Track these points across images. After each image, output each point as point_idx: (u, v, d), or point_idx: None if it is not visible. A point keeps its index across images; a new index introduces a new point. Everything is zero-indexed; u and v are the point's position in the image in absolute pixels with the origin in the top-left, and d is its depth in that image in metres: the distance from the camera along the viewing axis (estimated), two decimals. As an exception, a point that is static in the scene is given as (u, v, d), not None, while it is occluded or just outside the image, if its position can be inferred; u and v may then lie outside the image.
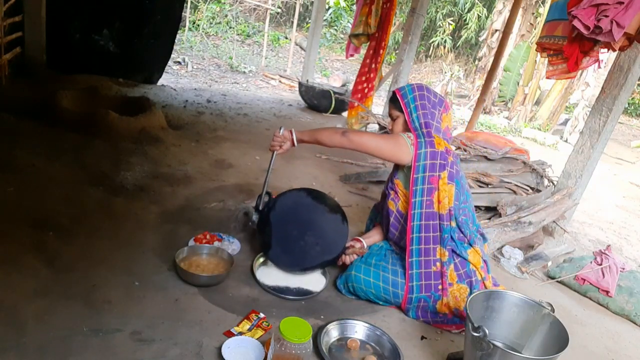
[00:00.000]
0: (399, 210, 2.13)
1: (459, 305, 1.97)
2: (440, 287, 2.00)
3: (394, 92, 2.15)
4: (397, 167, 2.15)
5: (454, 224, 2.01)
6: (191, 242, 2.28)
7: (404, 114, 2.08)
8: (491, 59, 7.18)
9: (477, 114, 5.57)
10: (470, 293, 1.95)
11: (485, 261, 2.07)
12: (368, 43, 5.09)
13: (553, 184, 3.60)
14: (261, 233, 2.23)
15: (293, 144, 2.21)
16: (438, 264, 2.00)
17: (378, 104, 6.84)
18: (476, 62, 11.60)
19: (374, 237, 2.32)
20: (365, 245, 2.26)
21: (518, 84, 9.71)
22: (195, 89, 6.14)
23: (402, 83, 5.39)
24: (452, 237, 2.01)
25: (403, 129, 2.11)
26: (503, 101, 10.24)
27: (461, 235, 2.03)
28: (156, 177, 2.98)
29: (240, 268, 2.17)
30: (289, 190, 2.35)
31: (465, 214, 2.07)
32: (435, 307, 2.01)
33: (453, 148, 2.10)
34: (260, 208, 2.26)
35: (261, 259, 2.23)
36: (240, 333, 1.73)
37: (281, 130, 2.24)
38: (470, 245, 2.04)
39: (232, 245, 2.32)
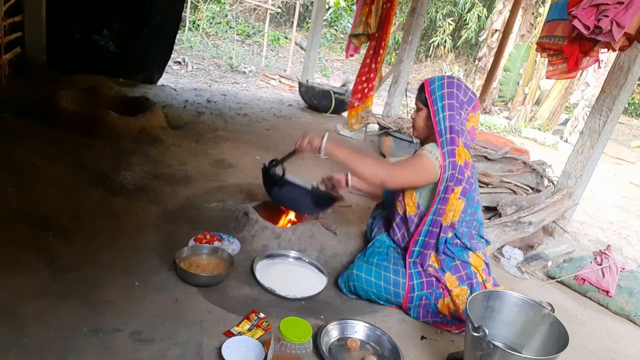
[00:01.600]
0: (408, 213, 2.11)
1: (459, 308, 1.97)
2: (441, 285, 2.01)
3: (422, 83, 2.06)
4: None
5: (450, 234, 2.01)
6: (191, 242, 2.28)
7: (429, 109, 2.02)
8: (491, 59, 7.18)
9: (477, 114, 5.56)
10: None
11: (487, 263, 2.07)
12: (368, 43, 5.09)
13: (553, 184, 3.60)
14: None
15: (318, 151, 2.04)
16: (430, 269, 2.02)
17: (378, 104, 6.84)
18: (476, 62, 11.60)
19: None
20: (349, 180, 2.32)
21: (518, 84, 9.71)
22: (195, 89, 6.14)
23: (402, 83, 5.39)
24: (446, 247, 2.01)
25: (425, 123, 2.06)
26: (503, 101, 10.24)
27: (460, 243, 2.02)
28: (156, 177, 2.98)
29: (240, 268, 2.17)
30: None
31: (468, 226, 2.04)
32: (436, 305, 2.01)
33: (471, 157, 2.04)
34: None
35: (261, 259, 2.24)
36: (240, 333, 1.73)
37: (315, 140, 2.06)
38: (472, 250, 2.04)
39: (232, 245, 2.32)
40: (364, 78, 5.08)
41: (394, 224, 2.19)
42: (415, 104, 2.11)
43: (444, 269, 2.01)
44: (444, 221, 1.98)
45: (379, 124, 4.61)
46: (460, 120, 2.00)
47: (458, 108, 1.99)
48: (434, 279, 2.02)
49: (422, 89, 2.05)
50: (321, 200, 2.41)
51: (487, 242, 2.17)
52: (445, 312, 2.01)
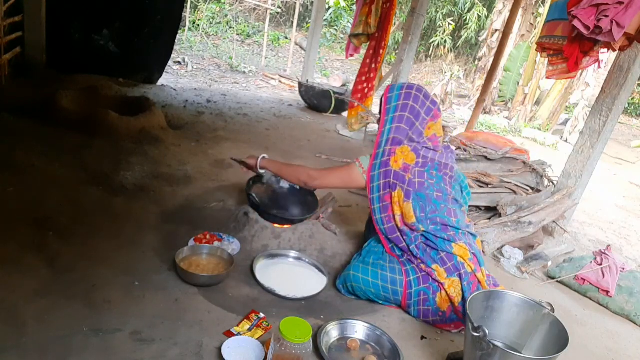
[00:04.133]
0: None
1: (454, 301, 1.97)
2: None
3: (386, 89, 2.19)
4: None
5: (421, 231, 2.04)
6: (191, 242, 2.28)
7: None
8: (491, 59, 7.17)
9: (477, 114, 5.57)
10: (462, 286, 1.96)
11: (474, 254, 2.06)
12: (368, 43, 5.09)
13: (553, 184, 3.60)
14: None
15: (256, 167, 2.40)
16: (422, 265, 2.03)
17: (378, 104, 6.83)
18: (476, 62, 11.59)
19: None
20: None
21: (518, 84, 9.70)
22: (195, 89, 6.14)
23: (402, 83, 5.38)
24: (429, 241, 2.03)
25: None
26: (503, 101, 10.24)
27: (436, 238, 2.03)
28: (156, 177, 2.98)
29: (240, 268, 2.17)
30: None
31: (435, 223, 2.05)
32: (435, 300, 2.01)
33: (418, 161, 2.08)
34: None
35: (261, 259, 2.24)
36: (240, 333, 1.73)
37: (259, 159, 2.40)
38: (452, 242, 2.04)
39: (232, 245, 2.32)
40: (364, 78, 5.08)
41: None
42: (379, 110, 2.23)
43: (429, 262, 2.02)
44: (399, 224, 2.05)
45: (379, 124, 4.60)
46: (412, 129, 2.08)
47: (411, 119, 2.09)
48: (427, 273, 2.02)
49: (381, 98, 2.17)
50: (300, 211, 2.60)
51: (474, 235, 2.17)
52: (444, 308, 2.00)
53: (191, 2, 10.46)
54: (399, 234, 2.07)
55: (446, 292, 1.98)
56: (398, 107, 2.10)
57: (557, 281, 2.80)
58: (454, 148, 2.24)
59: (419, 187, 2.04)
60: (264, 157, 2.39)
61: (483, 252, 2.72)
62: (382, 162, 2.08)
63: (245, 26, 11.55)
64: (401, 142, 2.08)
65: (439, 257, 2.02)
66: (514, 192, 3.41)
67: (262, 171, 2.41)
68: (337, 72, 10.57)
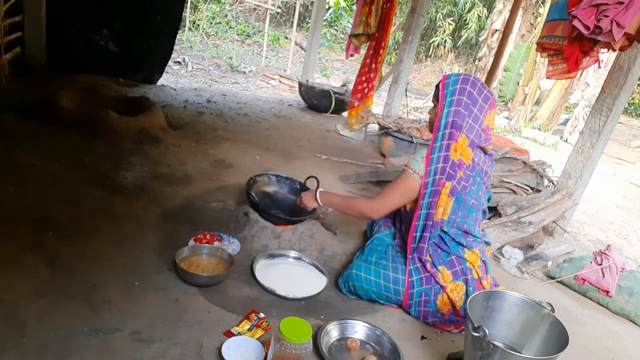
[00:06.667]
0: (409, 208, 2.14)
1: (455, 304, 1.97)
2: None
3: (443, 77, 2.09)
4: None
5: (442, 231, 2.01)
6: (191, 242, 2.28)
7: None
8: (491, 59, 7.17)
9: (477, 114, 5.55)
10: (467, 291, 1.96)
11: (484, 262, 2.06)
12: (368, 43, 5.09)
13: (553, 184, 3.60)
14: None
15: (318, 205, 2.30)
16: (428, 264, 2.02)
17: (378, 104, 6.84)
18: (476, 62, 11.60)
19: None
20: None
21: (518, 84, 9.71)
22: (195, 89, 6.14)
23: (402, 83, 5.39)
24: (442, 242, 2.01)
25: (434, 117, 2.06)
26: (503, 101, 10.24)
27: (451, 241, 2.02)
28: (156, 177, 2.98)
29: (240, 268, 2.17)
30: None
31: (459, 228, 2.03)
32: (436, 302, 2.00)
33: (469, 164, 2.01)
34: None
35: (261, 259, 2.24)
36: (240, 333, 1.73)
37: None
38: (467, 248, 2.03)
39: (232, 245, 2.32)
40: (364, 78, 5.08)
41: (402, 222, 2.22)
42: (432, 100, 2.13)
43: (436, 263, 2.00)
44: (435, 216, 1.99)
45: (379, 124, 4.61)
46: (470, 116, 1.98)
47: (469, 104, 1.98)
48: (432, 275, 2.02)
49: (438, 84, 2.07)
50: (295, 214, 2.55)
51: (487, 243, 2.16)
52: (444, 310, 2.00)
53: (191, 2, 10.46)
54: (432, 222, 2.00)
55: (448, 295, 1.97)
56: (456, 91, 1.99)
57: (557, 281, 2.80)
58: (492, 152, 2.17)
59: (462, 190, 2.00)
60: (321, 191, 2.28)
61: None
62: (443, 145, 1.98)
63: (245, 26, 11.55)
64: (460, 128, 1.97)
65: (448, 259, 2.01)
66: (514, 192, 3.41)
67: (322, 205, 2.29)
68: (337, 72, 10.57)
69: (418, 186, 2.03)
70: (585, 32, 2.47)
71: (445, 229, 2.00)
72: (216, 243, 2.30)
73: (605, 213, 4.60)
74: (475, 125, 2.00)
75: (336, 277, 2.24)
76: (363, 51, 5.43)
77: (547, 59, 3.32)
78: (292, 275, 2.18)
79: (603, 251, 2.91)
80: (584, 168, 3.30)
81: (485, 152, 2.09)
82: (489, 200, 2.22)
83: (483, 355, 1.52)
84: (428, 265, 2.01)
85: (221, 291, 1.99)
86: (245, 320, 1.82)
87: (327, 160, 4.03)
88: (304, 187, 2.74)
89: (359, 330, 1.88)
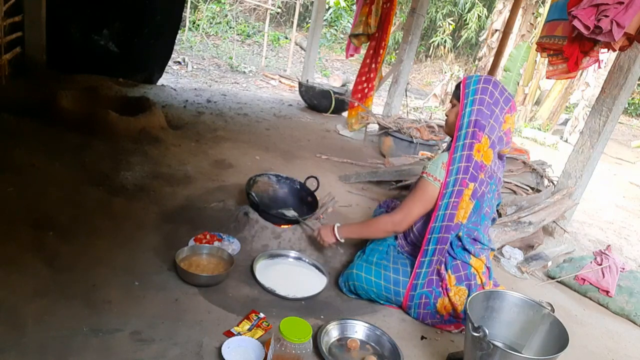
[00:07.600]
0: None
1: (457, 308, 1.97)
2: (441, 283, 2.00)
3: (464, 78, 2.05)
4: None
5: (459, 235, 1.99)
6: (191, 242, 2.28)
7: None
8: (491, 59, 7.17)
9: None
10: (469, 297, 1.95)
11: (488, 267, 2.06)
12: (368, 43, 5.09)
13: (553, 184, 3.60)
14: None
15: (337, 240, 2.22)
16: (442, 267, 2.01)
17: (378, 104, 6.84)
18: (476, 62, 11.59)
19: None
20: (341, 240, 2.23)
21: (518, 84, 9.69)
22: (195, 89, 6.14)
23: (402, 83, 5.39)
24: (450, 246, 1.99)
25: (456, 118, 2.01)
26: (503, 101, 10.23)
27: (458, 247, 2.01)
28: (156, 177, 2.98)
29: (240, 268, 2.17)
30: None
31: (468, 234, 2.01)
32: (435, 305, 2.00)
33: (493, 164, 1.98)
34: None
35: (261, 259, 2.24)
36: (240, 333, 1.73)
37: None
38: (473, 255, 2.02)
39: (232, 245, 2.32)
40: (364, 78, 5.08)
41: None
42: (451, 100, 2.08)
43: (447, 266, 2.00)
44: (456, 217, 1.95)
45: (379, 124, 4.61)
46: (492, 117, 1.94)
47: (491, 104, 1.94)
48: (435, 277, 2.02)
49: (458, 85, 2.03)
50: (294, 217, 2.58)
51: (492, 249, 2.14)
52: (443, 313, 2.00)
53: (191, 2, 10.46)
54: (452, 223, 1.96)
55: (449, 299, 1.97)
56: (478, 90, 1.95)
57: (557, 281, 2.80)
58: (496, 163, 2.13)
59: (481, 196, 1.98)
60: (338, 226, 2.21)
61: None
62: (464, 144, 1.93)
63: (245, 26, 11.55)
64: (484, 128, 1.92)
65: (453, 263, 2.00)
66: (514, 192, 3.41)
67: (342, 240, 2.21)
68: (337, 72, 10.57)
69: (436, 191, 1.97)
70: (585, 32, 2.47)
71: (459, 234, 1.98)
72: (216, 243, 2.30)
73: (605, 213, 4.60)
74: (496, 126, 1.95)
75: (336, 277, 2.24)
76: (363, 51, 5.43)
77: (547, 59, 3.32)
78: (292, 275, 2.18)
79: (603, 251, 2.91)
80: (584, 168, 3.30)
81: (500, 157, 2.06)
82: (498, 205, 2.20)
83: (483, 355, 1.52)
84: (442, 268, 1.99)
85: (221, 291, 1.99)
86: (245, 320, 1.82)
87: (327, 160, 4.03)
88: (304, 187, 2.75)
89: (359, 330, 1.88)
